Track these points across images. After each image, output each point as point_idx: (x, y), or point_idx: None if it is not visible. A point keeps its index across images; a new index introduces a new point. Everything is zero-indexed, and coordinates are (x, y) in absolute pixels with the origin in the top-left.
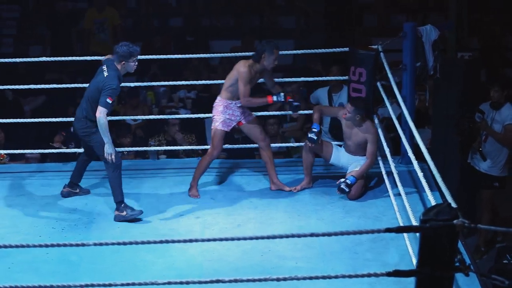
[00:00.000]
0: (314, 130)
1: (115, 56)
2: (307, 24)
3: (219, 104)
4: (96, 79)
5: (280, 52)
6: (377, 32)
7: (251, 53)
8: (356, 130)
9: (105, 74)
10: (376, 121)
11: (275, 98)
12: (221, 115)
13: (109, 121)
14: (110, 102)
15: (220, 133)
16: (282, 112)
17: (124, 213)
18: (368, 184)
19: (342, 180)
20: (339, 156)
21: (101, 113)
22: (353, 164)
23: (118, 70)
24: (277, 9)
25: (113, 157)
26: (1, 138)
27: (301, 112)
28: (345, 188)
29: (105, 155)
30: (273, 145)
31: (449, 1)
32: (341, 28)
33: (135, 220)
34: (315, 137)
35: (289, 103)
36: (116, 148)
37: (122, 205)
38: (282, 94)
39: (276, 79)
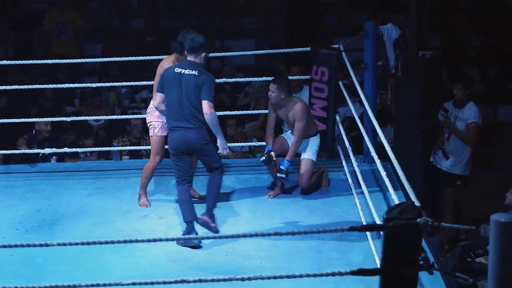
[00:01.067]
0: (265, 152)
1: (191, 53)
2: (269, 24)
3: (154, 109)
4: (186, 83)
5: (242, 52)
6: (339, 31)
7: (211, 54)
8: (285, 109)
9: (194, 72)
10: (338, 119)
11: None
12: (158, 120)
13: (71, 122)
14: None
15: (160, 139)
16: (242, 112)
17: (213, 225)
18: (331, 183)
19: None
20: None
21: (211, 107)
22: (304, 148)
23: (200, 63)
24: (238, 10)
25: (228, 151)
26: None
27: (262, 111)
28: (281, 175)
29: (221, 151)
30: (235, 144)
31: (410, 0)
32: (302, 28)
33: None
34: (266, 158)
35: None
36: (78, 149)
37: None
38: None
39: (238, 79)
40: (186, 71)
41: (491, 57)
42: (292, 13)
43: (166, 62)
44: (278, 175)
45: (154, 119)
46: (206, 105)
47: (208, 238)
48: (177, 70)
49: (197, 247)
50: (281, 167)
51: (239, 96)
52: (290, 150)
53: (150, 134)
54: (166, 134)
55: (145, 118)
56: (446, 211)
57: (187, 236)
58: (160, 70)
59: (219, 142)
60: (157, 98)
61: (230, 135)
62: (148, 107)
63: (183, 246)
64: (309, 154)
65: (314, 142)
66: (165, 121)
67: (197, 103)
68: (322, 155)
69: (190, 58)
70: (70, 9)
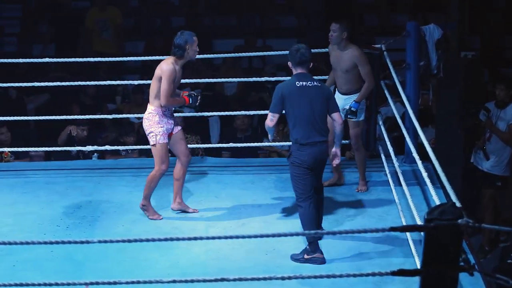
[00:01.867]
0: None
1: (302, 66)
2: (309, 23)
3: (154, 114)
4: (313, 96)
5: (283, 52)
6: (378, 31)
7: (254, 54)
8: (342, 54)
9: (316, 84)
10: (380, 119)
11: (190, 100)
12: (159, 126)
13: (112, 120)
14: None
15: (163, 146)
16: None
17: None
18: (372, 183)
19: (347, 108)
20: None
21: (341, 117)
22: (347, 105)
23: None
24: (277, 8)
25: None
26: (8, 137)
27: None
28: (352, 116)
29: (337, 160)
30: (276, 144)
31: (451, 1)
32: None
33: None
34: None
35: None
36: (120, 147)
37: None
38: (194, 96)
39: (280, 78)
40: (308, 83)
41: None
42: (331, 13)
43: (166, 64)
44: (349, 116)
45: (154, 127)
46: (338, 116)
47: (249, 237)
48: (299, 84)
49: (323, 262)
50: (352, 108)
51: None
52: (361, 93)
53: (151, 143)
54: (167, 141)
55: (185, 117)
56: (486, 212)
57: (227, 235)
58: (159, 72)
59: (338, 152)
60: (274, 119)
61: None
62: (146, 113)
63: (303, 262)
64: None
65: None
66: (166, 128)
67: (325, 115)
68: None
69: (302, 70)
70: (112, 7)
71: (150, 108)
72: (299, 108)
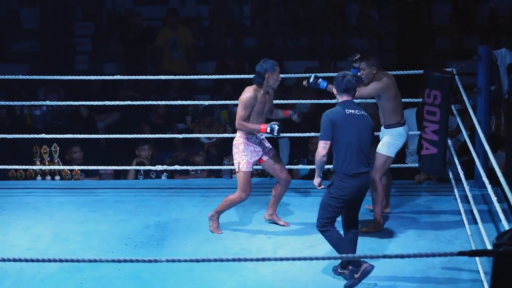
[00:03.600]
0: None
1: (348, 93)
2: (380, 45)
3: (240, 142)
4: (361, 125)
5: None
6: (450, 54)
7: (325, 74)
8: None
9: (362, 112)
10: (450, 144)
11: (268, 129)
12: (243, 155)
13: (182, 139)
14: None
15: (246, 175)
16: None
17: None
18: (441, 207)
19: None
20: None
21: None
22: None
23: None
24: (349, 30)
25: None
26: (80, 156)
27: None
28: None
29: None
30: None
31: None
32: (413, 50)
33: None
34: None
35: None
36: (189, 167)
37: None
38: (275, 127)
39: None
40: (356, 112)
41: None
42: (403, 35)
43: (246, 91)
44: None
45: (239, 154)
46: None
47: (317, 259)
48: (348, 111)
49: (372, 267)
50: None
51: None
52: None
53: (236, 170)
54: (251, 170)
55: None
56: None
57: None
58: (246, 99)
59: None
60: (327, 146)
61: None
62: (234, 140)
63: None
64: (381, 147)
65: (390, 134)
66: (250, 156)
67: (369, 146)
68: (431, 178)
69: (348, 98)
70: (183, 27)
71: (237, 135)
72: (348, 137)
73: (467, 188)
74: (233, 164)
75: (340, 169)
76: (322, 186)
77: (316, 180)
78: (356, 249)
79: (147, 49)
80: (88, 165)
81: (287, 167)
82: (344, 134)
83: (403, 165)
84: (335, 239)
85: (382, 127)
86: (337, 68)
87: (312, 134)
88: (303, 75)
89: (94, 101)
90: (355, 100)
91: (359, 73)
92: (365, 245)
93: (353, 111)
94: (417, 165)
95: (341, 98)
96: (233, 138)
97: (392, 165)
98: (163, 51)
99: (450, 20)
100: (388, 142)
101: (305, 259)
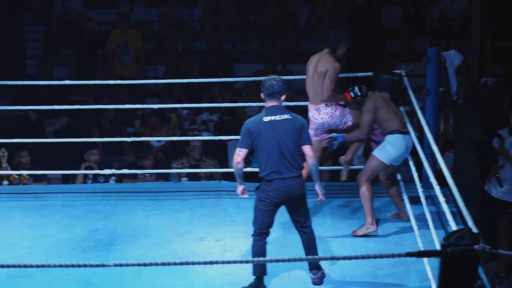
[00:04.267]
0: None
1: (272, 98)
2: None
3: (332, 109)
4: (281, 131)
5: (302, 76)
6: (401, 57)
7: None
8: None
9: (287, 116)
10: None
11: (352, 94)
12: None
13: (131, 143)
14: None
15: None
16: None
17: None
18: (390, 208)
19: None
20: None
21: (312, 151)
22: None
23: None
24: (299, 33)
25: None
26: (28, 161)
27: None
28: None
29: (321, 197)
30: None
31: (473, 27)
32: (363, 53)
33: None
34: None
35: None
36: (138, 171)
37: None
38: (356, 88)
39: (299, 103)
40: (278, 117)
41: None
42: (353, 38)
43: (337, 63)
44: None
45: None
46: (309, 149)
47: (265, 261)
48: (267, 119)
49: None
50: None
51: None
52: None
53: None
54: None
55: (204, 141)
56: (501, 238)
57: (243, 259)
58: (337, 70)
59: (317, 189)
60: (242, 153)
61: None
62: (316, 115)
63: None
64: (376, 150)
65: (386, 139)
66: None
67: (296, 150)
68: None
69: (272, 103)
70: (133, 30)
71: (321, 109)
72: (267, 144)
73: (419, 189)
74: (181, 168)
75: (261, 174)
76: (246, 195)
77: (238, 189)
78: (317, 251)
79: (97, 53)
80: (36, 170)
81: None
82: (262, 142)
83: (351, 167)
84: (253, 251)
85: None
86: (286, 70)
87: None
88: (253, 78)
89: (44, 105)
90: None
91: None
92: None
93: (274, 117)
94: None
95: (267, 104)
96: (182, 142)
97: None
98: (113, 55)
99: (401, 23)
100: (383, 147)
101: (252, 261)
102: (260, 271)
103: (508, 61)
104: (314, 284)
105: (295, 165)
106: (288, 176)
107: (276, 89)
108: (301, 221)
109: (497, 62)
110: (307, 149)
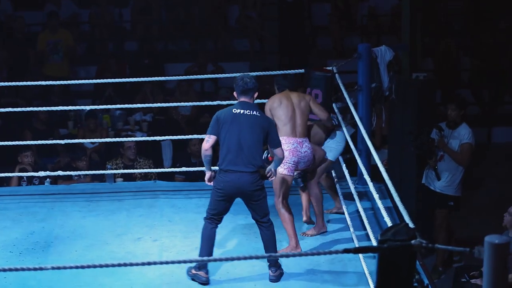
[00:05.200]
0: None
1: (245, 94)
2: (261, 46)
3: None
4: (245, 124)
5: (235, 74)
6: (332, 54)
7: (205, 76)
8: None
9: (255, 113)
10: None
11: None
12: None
13: (65, 145)
14: None
15: None
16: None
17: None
18: (324, 206)
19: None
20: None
21: (283, 153)
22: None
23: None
24: (230, 31)
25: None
26: None
27: None
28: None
29: (273, 177)
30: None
31: (403, 23)
32: (295, 50)
33: None
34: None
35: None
36: (73, 172)
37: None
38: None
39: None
40: (246, 112)
41: (484, 80)
42: (284, 36)
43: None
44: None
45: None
46: (279, 151)
47: (202, 261)
48: (236, 111)
49: (206, 283)
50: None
51: None
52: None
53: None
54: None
55: (138, 141)
56: (439, 232)
57: (181, 259)
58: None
59: (273, 171)
60: (210, 140)
61: None
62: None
63: (191, 279)
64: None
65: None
66: None
67: (255, 146)
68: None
69: (245, 99)
70: (63, 30)
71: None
72: (228, 135)
73: (351, 185)
74: (116, 168)
75: (219, 163)
76: (212, 183)
77: (206, 175)
78: (276, 248)
79: (29, 54)
80: None
81: (169, 170)
82: (226, 131)
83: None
84: (203, 235)
85: None
86: (218, 67)
87: (195, 136)
88: (184, 77)
89: None
90: None
91: None
92: (250, 244)
93: (242, 111)
94: None
95: (239, 99)
96: (116, 142)
97: None
98: (43, 55)
99: (331, 20)
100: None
101: (190, 261)
102: (206, 254)
103: (437, 56)
104: (271, 281)
105: (252, 161)
106: (242, 170)
107: (250, 86)
108: (257, 217)
109: (427, 57)
110: (278, 151)
